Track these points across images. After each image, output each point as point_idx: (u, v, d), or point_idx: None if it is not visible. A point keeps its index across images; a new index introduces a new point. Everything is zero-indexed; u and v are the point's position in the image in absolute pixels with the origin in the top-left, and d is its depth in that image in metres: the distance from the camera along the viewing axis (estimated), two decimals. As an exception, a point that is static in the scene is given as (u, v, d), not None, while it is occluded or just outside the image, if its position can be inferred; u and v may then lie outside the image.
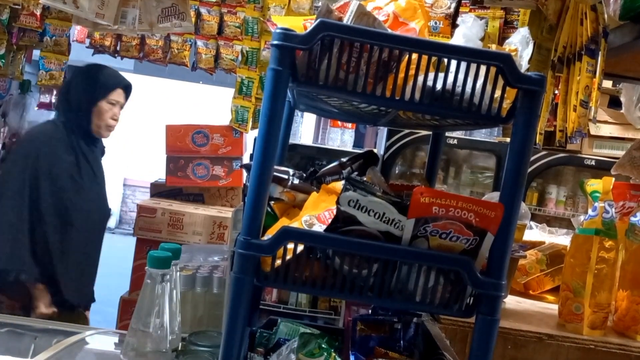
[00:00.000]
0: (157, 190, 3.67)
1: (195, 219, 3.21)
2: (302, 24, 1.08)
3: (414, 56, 0.94)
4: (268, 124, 0.93)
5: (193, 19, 3.33)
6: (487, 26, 2.91)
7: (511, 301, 1.96)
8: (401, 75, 0.95)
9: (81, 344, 1.46)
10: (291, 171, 1.19)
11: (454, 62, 0.94)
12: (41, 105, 3.90)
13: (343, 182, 0.95)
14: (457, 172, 3.93)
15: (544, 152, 3.62)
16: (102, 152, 2.91)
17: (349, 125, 4.14)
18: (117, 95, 2.72)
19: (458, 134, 3.70)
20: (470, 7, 2.84)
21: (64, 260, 2.51)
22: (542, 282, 2.10)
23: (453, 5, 2.81)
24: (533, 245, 2.18)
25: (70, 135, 2.60)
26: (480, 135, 3.78)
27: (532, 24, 1.73)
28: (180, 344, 1.27)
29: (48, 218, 2.47)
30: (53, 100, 3.90)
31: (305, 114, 3.72)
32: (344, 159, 1.26)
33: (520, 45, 1.07)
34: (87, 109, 2.64)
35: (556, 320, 1.79)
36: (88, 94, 2.63)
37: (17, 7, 3.21)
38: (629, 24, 1.39)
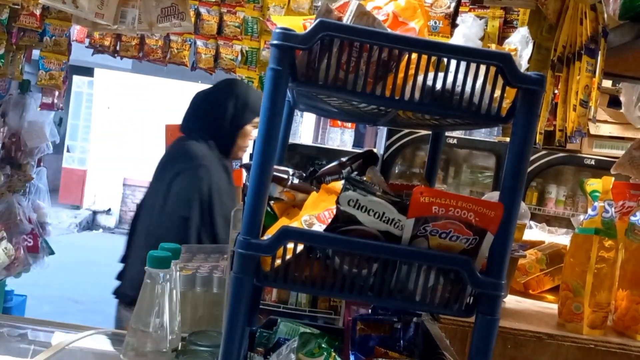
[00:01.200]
0: (157, 190, 3.65)
1: (195, 218, 3.19)
2: (301, 24, 1.08)
3: (414, 56, 0.94)
4: (268, 123, 0.93)
5: (192, 19, 3.33)
6: (486, 26, 2.91)
7: (511, 301, 1.96)
8: (401, 75, 0.95)
9: (81, 344, 1.46)
10: (291, 171, 1.19)
11: (453, 62, 0.94)
12: (43, 106, 3.90)
13: (343, 181, 0.95)
14: (457, 171, 3.93)
15: (543, 152, 3.62)
16: None
17: (349, 125, 4.14)
18: (255, 125, 2.71)
19: (458, 133, 3.70)
20: (470, 6, 2.84)
21: None
22: (541, 282, 2.10)
23: (453, 4, 2.81)
24: (533, 244, 2.18)
25: (221, 155, 2.58)
26: (480, 134, 3.78)
27: (532, 23, 1.73)
28: (180, 343, 1.27)
29: (219, 236, 2.45)
30: (55, 101, 3.89)
31: (305, 113, 3.72)
32: (343, 159, 1.26)
33: (520, 44, 1.07)
34: (235, 130, 2.59)
35: (556, 319, 1.79)
36: (239, 115, 2.57)
37: (16, 7, 3.21)
38: (629, 24, 1.39)
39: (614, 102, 3.20)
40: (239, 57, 3.60)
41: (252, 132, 2.65)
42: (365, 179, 1.02)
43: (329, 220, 0.95)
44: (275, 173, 1.10)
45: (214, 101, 2.58)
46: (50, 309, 5.61)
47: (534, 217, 3.34)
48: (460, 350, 1.45)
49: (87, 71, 11.29)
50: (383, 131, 3.80)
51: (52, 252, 3.98)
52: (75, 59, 4.05)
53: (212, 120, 2.56)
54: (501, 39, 2.92)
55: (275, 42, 0.92)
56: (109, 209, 11.52)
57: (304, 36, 0.92)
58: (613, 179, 1.91)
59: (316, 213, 0.99)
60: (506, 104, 0.97)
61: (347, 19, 0.99)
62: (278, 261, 0.94)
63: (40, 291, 5.35)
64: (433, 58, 0.94)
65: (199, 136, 2.56)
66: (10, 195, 3.73)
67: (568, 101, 1.57)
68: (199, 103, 2.62)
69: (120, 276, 2.63)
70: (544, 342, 1.66)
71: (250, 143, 2.67)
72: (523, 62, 1.05)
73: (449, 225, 0.92)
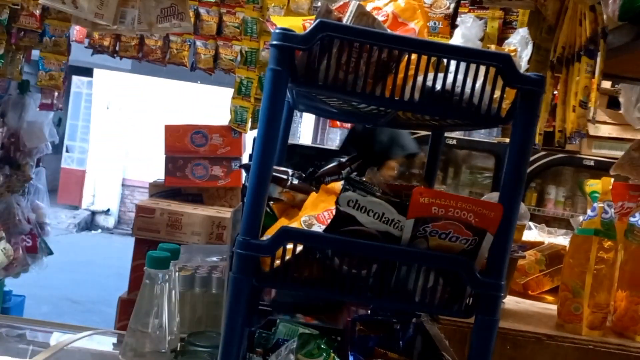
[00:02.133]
0: (156, 191, 3.66)
1: (194, 219, 3.20)
2: (301, 24, 1.08)
3: (414, 56, 0.94)
4: (267, 124, 0.93)
5: (192, 19, 3.33)
6: (486, 26, 2.91)
7: (510, 301, 1.96)
8: (401, 75, 0.95)
9: (80, 344, 1.46)
10: (290, 171, 1.19)
11: (453, 63, 0.94)
12: (42, 106, 3.90)
13: (342, 182, 0.95)
14: (456, 172, 3.93)
15: (543, 153, 3.62)
16: None
17: (348, 125, 4.14)
18: (399, 162, 2.77)
19: (457, 134, 3.70)
20: (470, 7, 2.84)
21: None
22: (541, 283, 2.10)
23: (452, 5, 2.81)
24: (532, 245, 2.18)
25: None
26: (479, 135, 3.79)
27: (531, 24, 1.73)
28: (179, 344, 1.27)
29: None
30: (54, 102, 3.89)
31: (304, 114, 3.72)
32: (343, 159, 1.26)
33: (519, 45, 1.07)
34: (382, 161, 2.66)
35: (555, 320, 1.79)
36: (389, 149, 2.68)
37: (16, 7, 3.21)
38: (628, 25, 1.39)
39: (613, 103, 3.20)
40: (239, 58, 3.59)
41: (393, 169, 2.71)
42: (364, 179, 1.02)
43: (329, 221, 0.95)
44: (274, 173, 1.10)
45: (371, 131, 2.68)
46: (48, 309, 5.60)
47: (533, 217, 3.34)
48: (459, 351, 1.45)
49: (87, 71, 11.28)
50: (382, 132, 3.79)
51: (50, 253, 3.97)
52: (74, 59, 4.05)
53: (364, 148, 2.62)
54: (501, 39, 2.91)
55: (275, 42, 0.92)
56: (108, 210, 11.51)
57: (303, 37, 0.92)
58: (612, 179, 1.91)
59: (315, 213, 0.99)
60: (506, 104, 0.97)
61: (347, 19, 0.99)
62: (277, 262, 0.94)
63: (38, 291, 5.34)
64: (433, 59, 0.94)
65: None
66: (9, 196, 3.72)
67: (567, 102, 1.57)
68: (358, 131, 2.74)
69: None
70: (543, 342, 1.66)
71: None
72: (523, 62, 1.06)
73: (448, 226, 0.92)
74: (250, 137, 3.31)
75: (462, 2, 2.85)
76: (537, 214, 3.71)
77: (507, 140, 1.00)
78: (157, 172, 4.00)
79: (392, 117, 1.25)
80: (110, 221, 11.49)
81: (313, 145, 4.34)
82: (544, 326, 1.74)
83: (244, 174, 1.89)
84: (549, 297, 2.08)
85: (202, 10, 3.54)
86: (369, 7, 1.08)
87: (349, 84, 0.95)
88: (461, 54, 0.95)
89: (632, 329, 1.74)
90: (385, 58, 0.94)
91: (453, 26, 2.76)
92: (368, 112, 1.24)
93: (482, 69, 0.94)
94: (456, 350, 1.34)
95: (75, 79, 11.91)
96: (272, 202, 1.14)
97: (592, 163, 3.60)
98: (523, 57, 1.06)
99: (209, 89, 9.96)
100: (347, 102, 1.15)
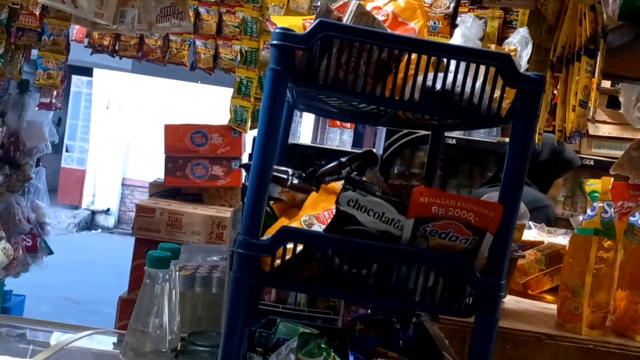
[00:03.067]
0: (156, 190, 3.66)
1: (194, 218, 3.20)
2: (301, 24, 1.08)
3: (414, 56, 0.94)
4: (267, 123, 0.93)
5: (192, 19, 3.33)
6: (486, 26, 2.91)
7: (510, 301, 1.96)
8: (400, 75, 0.95)
9: (80, 344, 1.46)
10: (290, 171, 1.19)
11: (453, 62, 0.95)
12: (41, 106, 3.90)
13: (342, 182, 0.95)
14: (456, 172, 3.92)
15: (542, 152, 3.61)
16: None
17: (348, 125, 4.14)
18: (565, 178, 2.84)
19: (457, 133, 3.70)
20: (469, 7, 2.84)
21: None
22: (541, 282, 2.10)
23: (452, 5, 2.81)
24: (532, 245, 2.18)
25: None
26: (479, 135, 3.78)
27: (531, 24, 1.73)
28: (179, 344, 1.27)
29: None
30: (53, 101, 3.89)
31: (304, 113, 3.72)
32: (343, 159, 1.27)
33: (519, 45, 1.07)
34: (550, 180, 2.72)
35: (555, 320, 1.79)
36: (557, 168, 2.70)
37: (16, 6, 3.21)
38: (628, 24, 1.39)
39: (613, 103, 3.20)
40: (238, 57, 3.59)
41: (560, 185, 2.82)
42: (364, 179, 1.02)
43: (329, 221, 0.95)
44: (274, 173, 1.10)
45: (535, 151, 2.69)
46: (48, 309, 5.60)
47: (533, 217, 3.34)
48: (459, 350, 1.45)
49: (86, 71, 11.28)
50: (382, 131, 3.79)
51: (50, 252, 3.97)
52: (74, 58, 4.05)
53: (531, 167, 2.65)
54: (500, 39, 2.91)
55: (275, 42, 0.92)
56: (108, 209, 11.52)
57: (303, 36, 0.92)
58: (612, 179, 1.91)
59: (316, 213, 0.99)
60: (506, 104, 0.97)
61: (347, 19, 0.99)
62: (277, 261, 0.94)
63: (39, 291, 5.34)
64: (433, 58, 0.94)
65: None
66: (9, 195, 3.72)
67: (567, 102, 1.57)
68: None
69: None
70: (543, 342, 1.66)
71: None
72: (523, 62, 1.06)
73: (448, 226, 0.92)
74: (250, 136, 3.30)
75: (462, 1, 2.85)
76: (537, 214, 3.70)
77: (507, 139, 1.00)
78: (157, 171, 4.00)
79: (392, 116, 1.25)
80: (110, 221, 11.50)
81: (313, 145, 4.33)
82: (544, 326, 1.74)
83: (244, 173, 1.90)
84: (549, 297, 2.08)
85: (201, 10, 3.54)
86: (369, 6, 1.08)
87: (349, 84, 0.95)
88: (461, 53, 0.95)
89: (632, 329, 1.74)
90: (385, 58, 0.94)
91: (453, 26, 2.76)
92: (368, 111, 1.24)
93: (482, 68, 0.94)
94: (456, 349, 1.34)
95: (75, 78, 11.91)
96: (272, 201, 1.15)
97: (591, 162, 3.60)
98: (523, 57, 1.06)
99: (208, 89, 9.96)
100: (347, 102, 1.15)
